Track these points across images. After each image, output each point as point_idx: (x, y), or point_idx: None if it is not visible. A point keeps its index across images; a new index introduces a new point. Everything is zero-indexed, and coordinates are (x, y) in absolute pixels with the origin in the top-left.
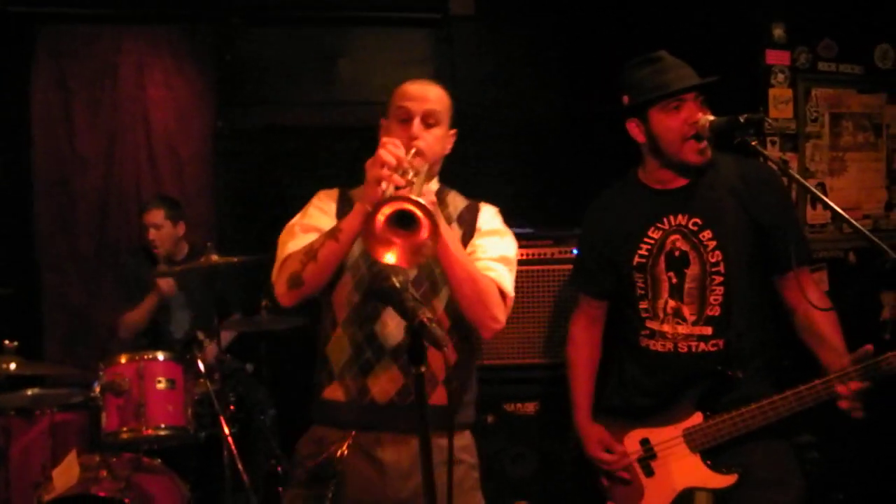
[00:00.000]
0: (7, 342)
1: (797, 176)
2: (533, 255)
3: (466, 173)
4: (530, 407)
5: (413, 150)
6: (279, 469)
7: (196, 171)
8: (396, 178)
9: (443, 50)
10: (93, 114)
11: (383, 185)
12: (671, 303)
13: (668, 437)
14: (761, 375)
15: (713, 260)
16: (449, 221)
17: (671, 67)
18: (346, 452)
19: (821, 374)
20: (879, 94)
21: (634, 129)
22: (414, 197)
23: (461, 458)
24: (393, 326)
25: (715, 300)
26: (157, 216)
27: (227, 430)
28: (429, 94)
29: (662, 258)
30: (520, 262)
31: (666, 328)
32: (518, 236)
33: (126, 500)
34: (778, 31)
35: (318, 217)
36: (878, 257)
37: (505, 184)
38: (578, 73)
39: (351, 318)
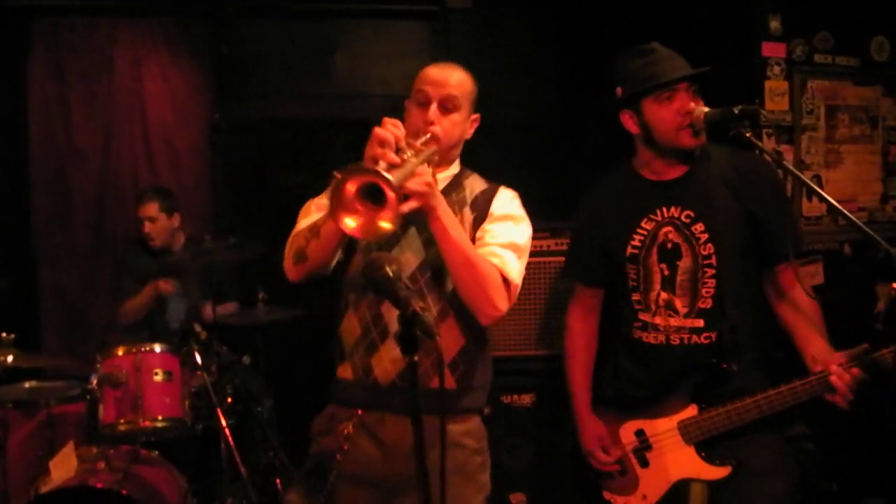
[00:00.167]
0: (4, 334)
1: (791, 168)
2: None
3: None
4: (527, 398)
5: (427, 136)
6: (277, 460)
7: (193, 164)
8: (390, 155)
9: (439, 42)
10: (89, 106)
11: (380, 163)
12: (663, 295)
13: (663, 429)
14: (755, 368)
15: (705, 252)
16: (462, 205)
17: (663, 58)
18: (351, 431)
19: (805, 366)
20: (875, 87)
21: (628, 120)
22: (385, 174)
23: (463, 443)
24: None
25: (707, 293)
26: (151, 209)
27: (224, 422)
28: (450, 80)
29: (655, 250)
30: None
31: (658, 321)
32: None
33: (124, 492)
34: (774, 24)
35: None
36: (873, 249)
37: (501, 176)
38: (575, 65)
39: (360, 299)
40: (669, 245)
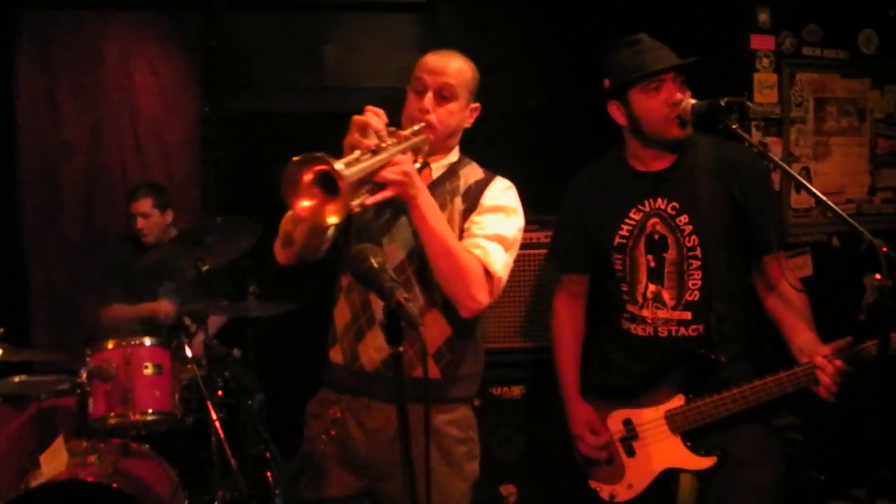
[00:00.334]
0: None
1: (776, 160)
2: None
3: None
4: (516, 390)
5: (420, 125)
6: (267, 454)
7: (183, 158)
8: (366, 142)
9: (429, 35)
10: (78, 100)
11: (357, 152)
12: (651, 287)
13: (651, 419)
14: (742, 359)
15: (689, 244)
16: (454, 194)
17: (650, 49)
18: (339, 415)
19: (793, 358)
20: (863, 79)
21: (615, 111)
22: (337, 165)
23: (446, 432)
24: None
25: (694, 285)
26: (144, 205)
27: (214, 416)
28: (448, 68)
29: (642, 240)
30: (518, 248)
31: (646, 313)
32: None
33: (114, 486)
34: (763, 16)
35: None
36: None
37: (490, 168)
38: (565, 57)
39: (352, 284)
40: (656, 236)
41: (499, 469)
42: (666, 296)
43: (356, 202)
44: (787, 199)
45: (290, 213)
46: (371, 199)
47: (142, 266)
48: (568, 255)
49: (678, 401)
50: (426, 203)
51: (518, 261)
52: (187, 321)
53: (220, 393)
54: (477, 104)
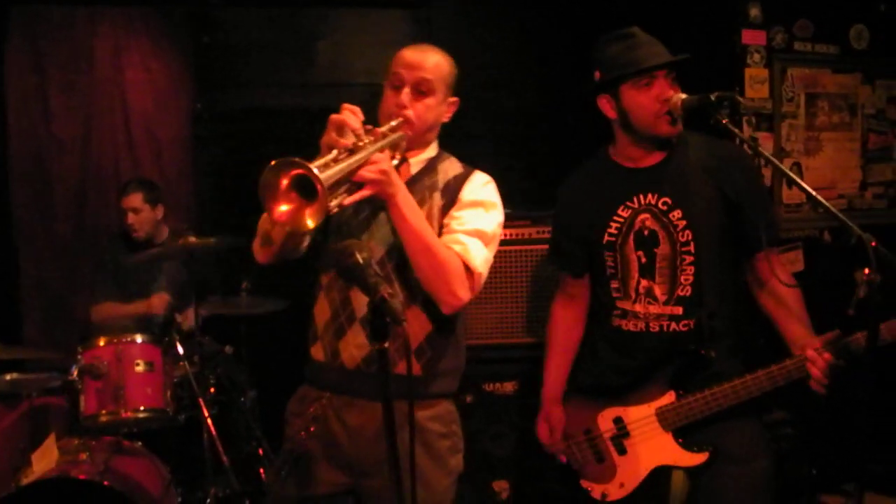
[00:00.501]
0: None
1: (767, 155)
2: (511, 235)
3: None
4: (509, 386)
5: (398, 120)
6: (260, 451)
7: (175, 154)
8: (343, 141)
9: (422, 31)
10: (69, 97)
11: (334, 152)
12: (643, 282)
13: (641, 416)
14: (733, 354)
15: (683, 239)
16: (433, 190)
17: (643, 44)
18: (319, 412)
19: (789, 352)
20: (855, 75)
21: (605, 105)
22: (314, 169)
23: (428, 427)
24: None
25: (686, 280)
26: (135, 200)
27: (206, 413)
28: (425, 62)
29: (632, 237)
30: (498, 243)
31: (638, 308)
32: None
33: (105, 483)
34: (754, 12)
35: None
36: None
37: (484, 165)
38: (558, 53)
39: (332, 281)
40: (646, 232)
41: (491, 465)
42: (657, 291)
43: (334, 203)
44: (779, 194)
45: (266, 214)
46: (349, 200)
47: (130, 263)
48: (563, 257)
49: (669, 398)
50: (405, 201)
51: (511, 256)
52: (178, 318)
53: (212, 390)
54: (455, 98)
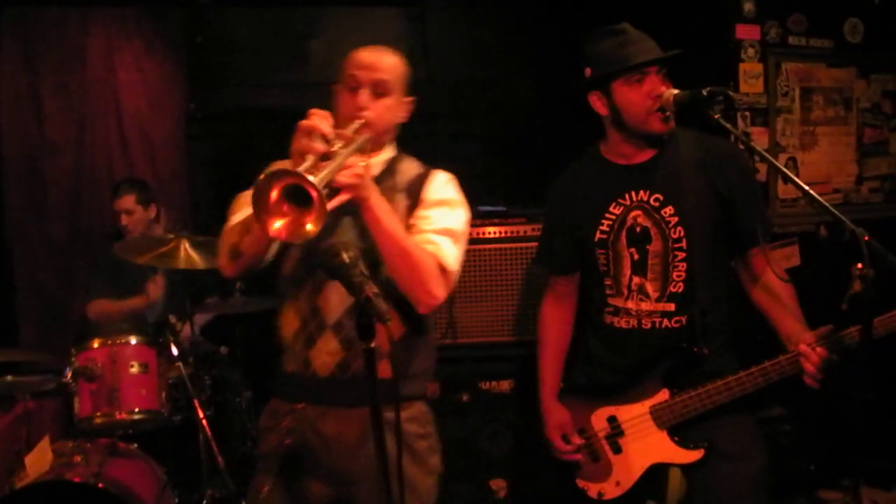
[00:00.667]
0: None
1: (760, 149)
2: (506, 232)
3: (439, 152)
4: (505, 385)
5: (359, 122)
6: (255, 451)
7: (168, 155)
8: (318, 147)
9: (416, 29)
10: (62, 98)
11: (308, 157)
12: (635, 279)
13: (635, 415)
14: (726, 350)
15: (675, 236)
16: (395, 192)
17: (634, 40)
18: (294, 424)
19: (783, 347)
20: (849, 68)
21: (596, 101)
22: (307, 176)
23: (406, 429)
24: (335, 301)
25: (678, 276)
26: (127, 202)
27: (201, 414)
28: (380, 63)
29: (624, 234)
30: (493, 240)
31: (630, 305)
32: (491, 214)
33: (100, 486)
34: (748, 6)
35: None
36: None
37: (478, 162)
38: (552, 50)
39: (297, 291)
40: (638, 229)
41: (488, 464)
42: (650, 288)
43: None
44: (775, 189)
45: (231, 226)
46: (330, 205)
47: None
48: (553, 256)
49: (663, 395)
50: (379, 204)
51: (506, 254)
52: (172, 319)
53: (207, 391)
54: (411, 98)
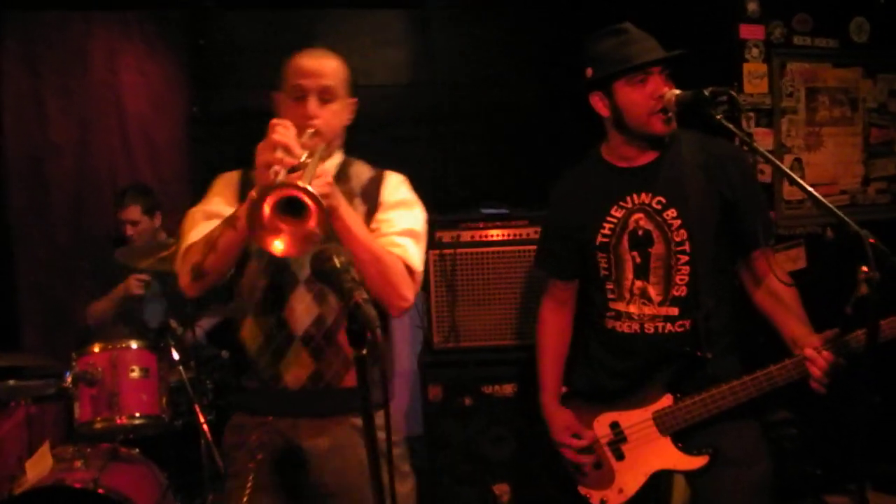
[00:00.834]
0: None
1: (762, 150)
2: (509, 235)
3: (442, 154)
4: (508, 388)
5: (311, 131)
6: None
7: (171, 157)
8: (287, 160)
9: (419, 31)
10: (64, 100)
11: (274, 169)
12: (637, 283)
13: (638, 421)
14: (729, 354)
15: (678, 239)
16: (351, 197)
17: (636, 40)
18: (264, 439)
19: (787, 350)
20: (855, 68)
21: (598, 102)
22: (301, 184)
23: (379, 437)
24: (300, 311)
25: (681, 280)
26: (134, 213)
27: (202, 418)
28: (325, 69)
29: (626, 237)
30: (496, 243)
31: (632, 309)
32: (493, 217)
33: (100, 491)
34: (752, 6)
35: (219, 204)
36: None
37: (481, 164)
38: (555, 52)
39: (259, 304)
40: (640, 232)
41: (491, 468)
42: (652, 291)
43: None
44: (780, 190)
45: (192, 244)
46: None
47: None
48: (553, 260)
49: (666, 401)
50: (347, 212)
51: (509, 257)
52: (174, 324)
53: (209, 395)
54: (354, 99)
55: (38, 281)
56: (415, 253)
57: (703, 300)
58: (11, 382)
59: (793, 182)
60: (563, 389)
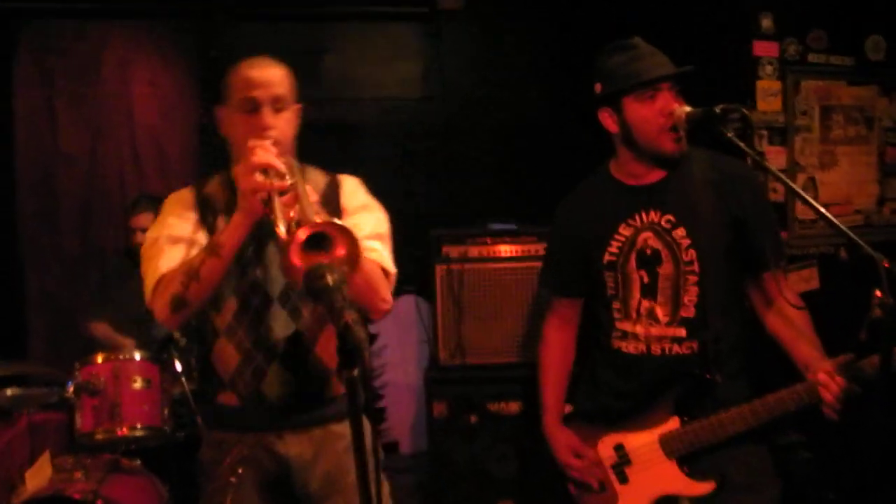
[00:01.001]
0: None
1: (773, 169)
2: (516, 251)
3: (452, 168)
4: (514, 406)
5: (270, 142)
6: None
7: (181, 168)
8: (278, 183)
9: (431, 45)
10: (77, 110)
11: (260, 195)
12: (644, 303)
13: (644, 443)
14: (738, 377)
15: (687, 258)
16: None
17: (646, 55)
18: (246, 453)
19: (797, 374)
20: (871, 87)
21: (607, 118)
22: (319, 219)
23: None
24: (278, 329)
25: (689, 300)
26: (145, 220)
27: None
28: (274, 78)
29: (633, 256)
30: (504, 259)
31: (639, 329)
32: (502, 232)
33: (99, 502)
34: (766, 22)
35: (180, 227)
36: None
37: (492, 179)
38: (568, 66)
39: (233, 325)
40: (649, 251)
41: (496, 485)
42: (659, 312)
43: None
44: (793, 210)
45: (170, 275)
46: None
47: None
48: (558, 278)
49: (673, 423)
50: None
51: (517, 274)
52: (176, 335)
53: None
54: (298, 104)
55: (46, 289)
56: (387, 255)
57: (711, 321)
58: (12, 391)
59: (805, 202)
60: (567, 409)
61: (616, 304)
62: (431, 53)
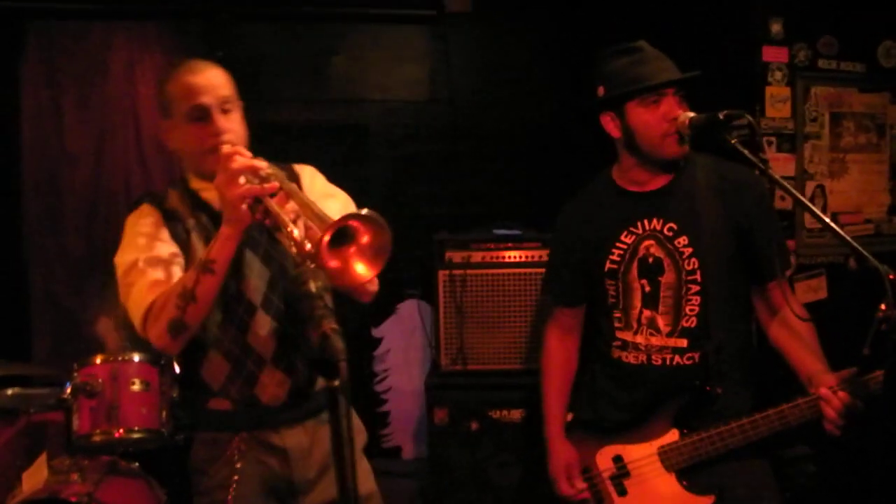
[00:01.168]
0: None
1: (776, 177)
2: (520, 257)
3: (458, 172)
4: (516, 414)
5: (228, 145)
6: None
7: None
8: (268, 186)
9: (438, 47)
10: (82, 111)
11: (247, 202)
12: (646, 312)
13: (643, 455)
14: (741, 389)
15: (689, 268)
16: None
17: (650, 59)
18: (243, 448)
19: (801, 386)
20: (882, 94)
21: (609, 122)
22: (362, 212)
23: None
24: (265, 335)
25: (691, 310)
26: None
27: None
28: (217, 80)
29: (635, 264)
30: (508, 265)
31: (639, 339)
32: (506, 238)
33: None
34: (776, 27)
35: (157, 247)
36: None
37: (498, 183)
38: (574, 70)
39: (219, 336)
40: (651, 259)
41: (498, 495)
42: (661, 322)
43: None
44: (801, 218)
45: (164, 300)
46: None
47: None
48: (559, 287)
49: (672, 436)
50: None
51: (520, 280)
52: None
53: None
54: (241, 102)
55: (51, 290)
56: None
57: (713, 332)
58: (12, 391)
59: (809, 211)
60: (569, 417)
61: (617, 313)
62: (438, 56)
